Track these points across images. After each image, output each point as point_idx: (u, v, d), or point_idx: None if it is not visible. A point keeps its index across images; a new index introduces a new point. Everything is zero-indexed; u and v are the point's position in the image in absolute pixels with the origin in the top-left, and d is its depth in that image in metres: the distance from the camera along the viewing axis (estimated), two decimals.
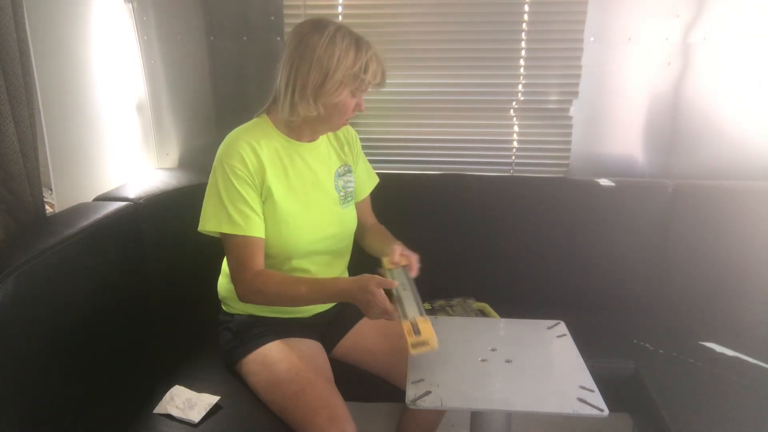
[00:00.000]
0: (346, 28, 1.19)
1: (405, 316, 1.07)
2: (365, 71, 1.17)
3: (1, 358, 1.02)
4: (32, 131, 1.28)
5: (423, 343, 1.01)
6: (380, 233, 1.43)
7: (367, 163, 1.49)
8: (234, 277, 1.24)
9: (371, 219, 1.50)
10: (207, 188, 1.23)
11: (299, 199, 1.27)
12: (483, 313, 1.53)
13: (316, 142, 1.32)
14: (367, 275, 1.15)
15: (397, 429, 1.50)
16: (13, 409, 1.05)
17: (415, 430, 1.47)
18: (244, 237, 1.20)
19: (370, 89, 1.24)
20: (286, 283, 1.23)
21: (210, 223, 1.21)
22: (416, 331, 1.02)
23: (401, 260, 1.22)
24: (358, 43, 1.17)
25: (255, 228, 1.21)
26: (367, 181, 1.47)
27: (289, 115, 1.21)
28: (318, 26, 1.17)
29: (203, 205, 1.23)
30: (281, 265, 1.29)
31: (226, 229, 1.19)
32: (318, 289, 1.22)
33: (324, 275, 1.34)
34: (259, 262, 1.23)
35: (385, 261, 1.24)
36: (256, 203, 1.21)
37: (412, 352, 1.02)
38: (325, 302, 1.32)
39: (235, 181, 1.18)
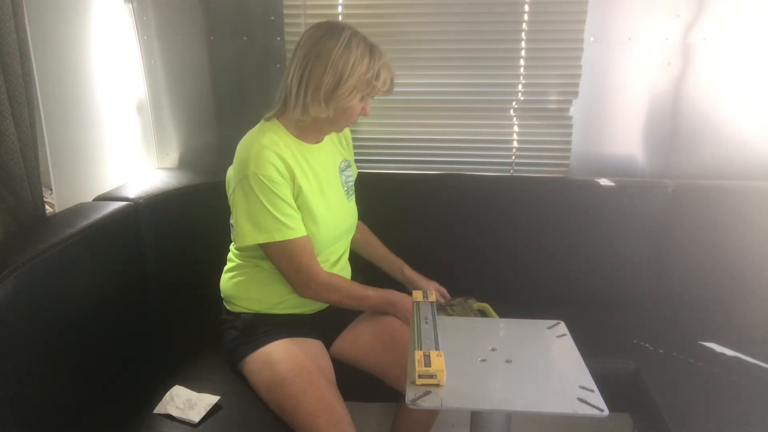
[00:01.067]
0: (361, 34, 1.21)
1: (419, 346, 1.07)
2: (377, 78, 1.20)
3: (0, 357, 1.02)
4: (32, 131, 1.28)
5: (430, 376, 0.99)
6: (371, 242, 1.53)
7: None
8: (304, 278, 1.26)
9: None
10: (241, 201, 1.20)
11: (320, 198, 1.29)
12: (483, 314, 1.53)
13: (322, 143, 1.34)
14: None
15: (392, 428, 1.50)
16: (13, 408, 1.05)
17: (409, 429, 1.47)
18: (298, 239, 1.22)
19: (378, 96, 1.27)
20: (354, 285, 1.34)
21: (264, 235, 1.20)
22: (427, 362, 1.01)
23: (431, 297, 1.26)
24: (372, 50, 1.20)
25: (302, 228, 1.24)
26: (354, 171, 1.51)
27: (300, 115, 1.22)
28: (334, 30, 1.19)
29: (242, 218, 1.20)
30: None
31: (279, 237, 1.20)
32: (382, 295, 1.35)
33: (332, 267, 1.37)
34: (315, 258, 1.27)
35: (415, 294, 1.28)
36: (295, 206, 1.23)
37: (417, 382, 1.00)
38: (374, 308, 1.38)
39: (274, 189, 1.18)
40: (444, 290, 1.52)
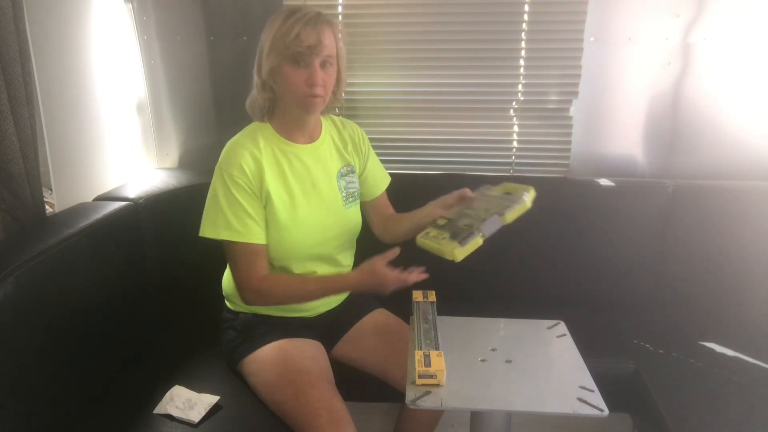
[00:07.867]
0: (300, 8, 1.19)
1: (419, 346, 1.08)
2: (289, 34, 1.15)
3: (0, 357, 1.02)
4: (32, 131, 1.28)
5: (430, 376, 1.00)
6: (402, 217, 1.42)
7: (379, 161, 1.49)
8: (238, 284, 1.25)
9: (391, 211, 1.51)
10: (208, 194, 1.23)
11: (299, 203, 1.27)
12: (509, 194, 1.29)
13: (316, 143, 1.32)
14: (366, 263, 1.20)
15: (395, 429, 1.50)
16: (13, 409, 1.05)
17: (413, 430, 1.47)
18: (243, 244, 1.21)
19: (307, 53, 1.16)
20: (294, 282, 1.28)
21: (209, 229, 1.21)
22: (427, 362, 1.01)
23: (431, 297, 1.28)
24: (293, 12, 1.18)
25: (254, 235, 1.21)
26: (381, 178, 1.47)
27: (258, 99, 1.26)
28: (274, 17, 1.21)
29: (204, 210, 1.23)
30: (286, 270, 1.30)
31: (225, 236, 1.20)
32: (327, 286, 1.28)
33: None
34: (262, 267, 1.24)
35: (415, 294, 1.29)
36: (256, 211, 1.22)
37: (418, 382, 1.01)
38: (336, 294, 1.36)
39: (234, 190, 1.19)
40: (468, 191, 1.29)
